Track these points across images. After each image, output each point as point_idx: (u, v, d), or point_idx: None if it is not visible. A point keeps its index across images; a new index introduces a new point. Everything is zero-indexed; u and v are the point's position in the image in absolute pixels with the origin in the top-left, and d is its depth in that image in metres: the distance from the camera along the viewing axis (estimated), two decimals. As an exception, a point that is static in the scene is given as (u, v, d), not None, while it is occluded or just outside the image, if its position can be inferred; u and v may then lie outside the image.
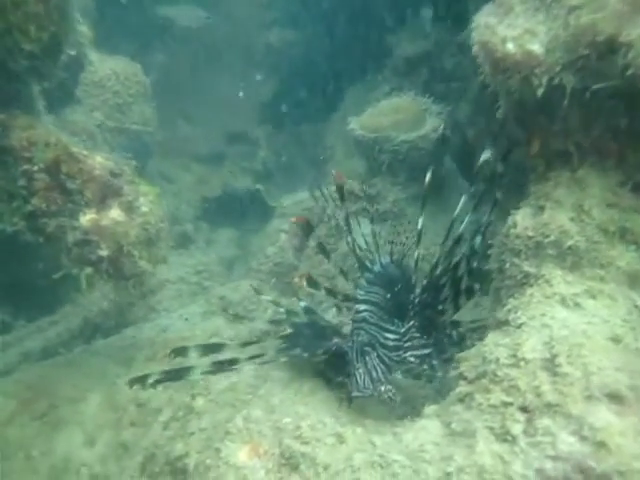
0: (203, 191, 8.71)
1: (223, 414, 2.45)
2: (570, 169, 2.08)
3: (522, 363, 1.86)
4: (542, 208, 2.08)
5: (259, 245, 6.55)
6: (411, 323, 2.65)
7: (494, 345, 1.99)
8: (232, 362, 2.40)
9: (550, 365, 1.82)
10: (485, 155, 2.26)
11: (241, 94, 7.86)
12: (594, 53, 1.74)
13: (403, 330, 2.65)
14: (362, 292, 2.76)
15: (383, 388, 2.38)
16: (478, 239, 2.39)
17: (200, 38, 8.82)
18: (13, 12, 2.16)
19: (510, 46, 1.84)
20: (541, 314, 1.95)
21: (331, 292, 2.62)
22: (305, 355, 2.50)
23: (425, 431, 2.02)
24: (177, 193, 8.46)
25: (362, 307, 2.68)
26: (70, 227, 2.55)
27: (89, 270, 2.63)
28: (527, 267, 2.05)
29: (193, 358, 2.45)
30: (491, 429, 1.83)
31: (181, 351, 2.49)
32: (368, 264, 2.93)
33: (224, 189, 8.85)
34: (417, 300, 2.65)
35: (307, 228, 2.64)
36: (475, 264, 2.41)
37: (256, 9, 9.11)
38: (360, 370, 2.42)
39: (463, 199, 2.40)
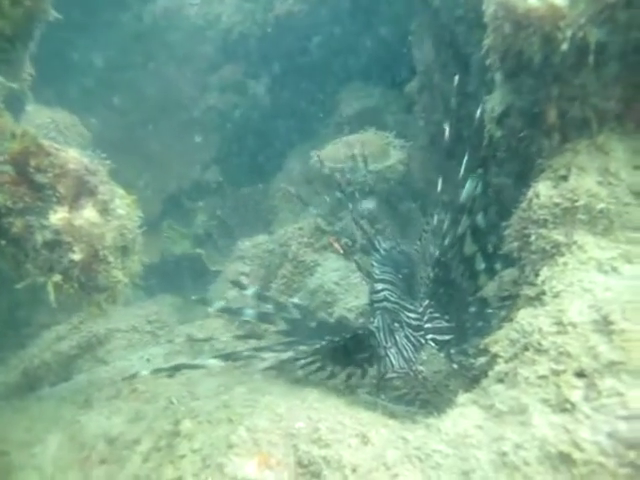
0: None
1: (220, 431, 2.17)
2: (588, 136, 2.06)
3: (570, 328, 1.75)
4: (564, 177, 2.04)
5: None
6: (427, 302, 2.57)
7: (532, 317, 1.88)
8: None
9: (602, 326, 1.71)
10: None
11: (198, 139, 7.82)
12: (621, 2, 1.76)
13: (421, 310, 2.60)
14: (377, 271, 2.73)
15: (418, 368, 2.25)
16: (480, 215, 2.37)
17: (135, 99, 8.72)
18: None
19: (533, 1, 1.84)
20: (579, 280, 1.86)
21: (359, 266, 2.50)
22: (324, 344, 2.34)
23: (464, 417, 1.84)
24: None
25: (380, 286, 2.62)
26: (39, 226, 2.29)
27: (58, 277, 2.35)
28: (556, 236, 1.98)
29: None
30: (545, 401, 1.69)
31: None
32: (376, 244, 2.86)
33: (162, 255, 8.55)
34: (432, 276, 2.55)
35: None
36: (489, 245, 2.34)
37: (194, 73, 9.12)
38: (392, 350, 2.31)
39: (464, 162, 2.38)
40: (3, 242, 2.30)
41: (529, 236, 2.08)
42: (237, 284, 3.58)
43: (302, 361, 2.68)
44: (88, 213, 2.37)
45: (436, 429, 1.84)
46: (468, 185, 2.51)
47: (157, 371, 2.87)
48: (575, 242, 1.94)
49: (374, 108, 7.84)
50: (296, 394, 2.36)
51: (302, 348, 2.61)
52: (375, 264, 2.83)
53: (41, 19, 2.39)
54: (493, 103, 2.49)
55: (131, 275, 2.63)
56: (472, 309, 2.66)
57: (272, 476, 1.93)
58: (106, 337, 4.51)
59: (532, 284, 2.02)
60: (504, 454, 1.64)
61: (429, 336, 2.57)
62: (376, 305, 2.58)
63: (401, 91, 6.23)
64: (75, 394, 3.16)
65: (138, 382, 2.98)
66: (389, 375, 2.34)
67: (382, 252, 3.01)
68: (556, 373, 1.70)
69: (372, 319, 2.52)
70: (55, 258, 2.33)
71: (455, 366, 2.44)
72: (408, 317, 2.52)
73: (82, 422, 2.72)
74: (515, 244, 2.17)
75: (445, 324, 2.59)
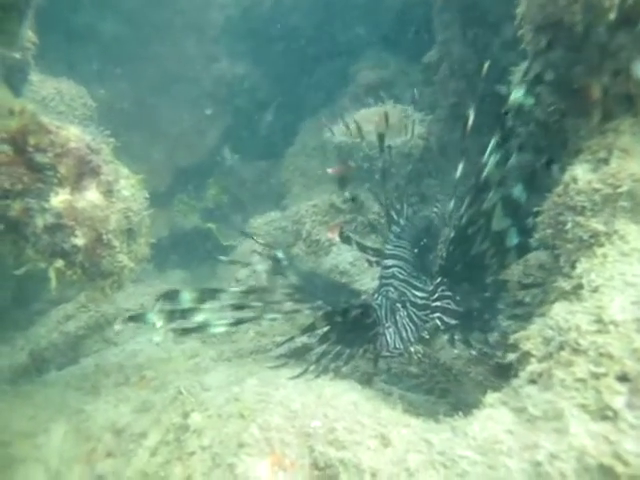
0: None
1: (231, 427, 2.07)
2: (633, 115, 1.91)
3: (611, 327, 1.62)
4: (605, 160, 1.89)
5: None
6: (439, 280, 2.54)
7: (568, 313, 1.75)
8: (239, 308, 2.36)
9: (647, 325, 1.58)
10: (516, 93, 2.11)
11: (208, 112, 7.67)
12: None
13: (431, 288, 2.55)
14: (390, 246, 2.69)
15: (413, 349, 2.22)
16: (519, 187, 2.23)
17: (145, 69, 8.53)
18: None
19: (577, -36, 1.68)
20: (620, 273, 1.73)
21: (362, 247, 2.41)
22: (328, 308, 2.29)
23: (493, 421, 1.73)
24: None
25: (390, 262, 2.59)
26: (39, 209, 2.18)
27: (60, 263, 2.24)
28: (595, 224, 1.84)
29: (185, 302, 2.36)
30: (583, 407, 1.57)
31: (171, 295, 2.33)
32: (395, 216, 2.77)
33: (172, 230, 8.48)
34: (444, 254, 2.45)
35: (344, 180, 2.45)
36: (529, 219, 2.21)
37: (204, 44, 8.90)
38: (390, 329, 2.32)
39: (493, 142, 2.24)
40: (1, 227, 2.19)
41: (565, 224, 1.94)
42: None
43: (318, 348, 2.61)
44: (91, 195, 2.26)
45: (463, 433, 1.74)
46: (492, 161, 2.37)
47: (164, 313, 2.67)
48: (616, 231, 1.81)
49: (390, 79, 7.64)
50: (311, 388, 2.26)
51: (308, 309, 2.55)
52: (392, 237, 2.77)
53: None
54: (523, 77, 2.33)
55: (137, 259, 2.52)
56: (487, 294, 2.57)
57: (286, 478, 1.83)
58: (115, 317, 4.44)
59: (568, 276, 1.89)
60: (538, 464, 1.53)
61: (436, 314, 2.52)
62: (383, 281, 2.55)
63: (419, 61, 6.05)
64: (82, 380, 3.09)
65: (147, 369, 2.91)
66: (384, 354, 2.34)
67: (402, 223, 2.94)
68: (596, 376, 1.58)
69: (376, 295, 2.49)
70: (57, 243, 2.22)
71: (456, 351, 2.42)
72: (414, 295, 2.48)
73: (88, 411, 2.64)
74: (549, 231, 2.03)
75: (454, 306, 2.52)
